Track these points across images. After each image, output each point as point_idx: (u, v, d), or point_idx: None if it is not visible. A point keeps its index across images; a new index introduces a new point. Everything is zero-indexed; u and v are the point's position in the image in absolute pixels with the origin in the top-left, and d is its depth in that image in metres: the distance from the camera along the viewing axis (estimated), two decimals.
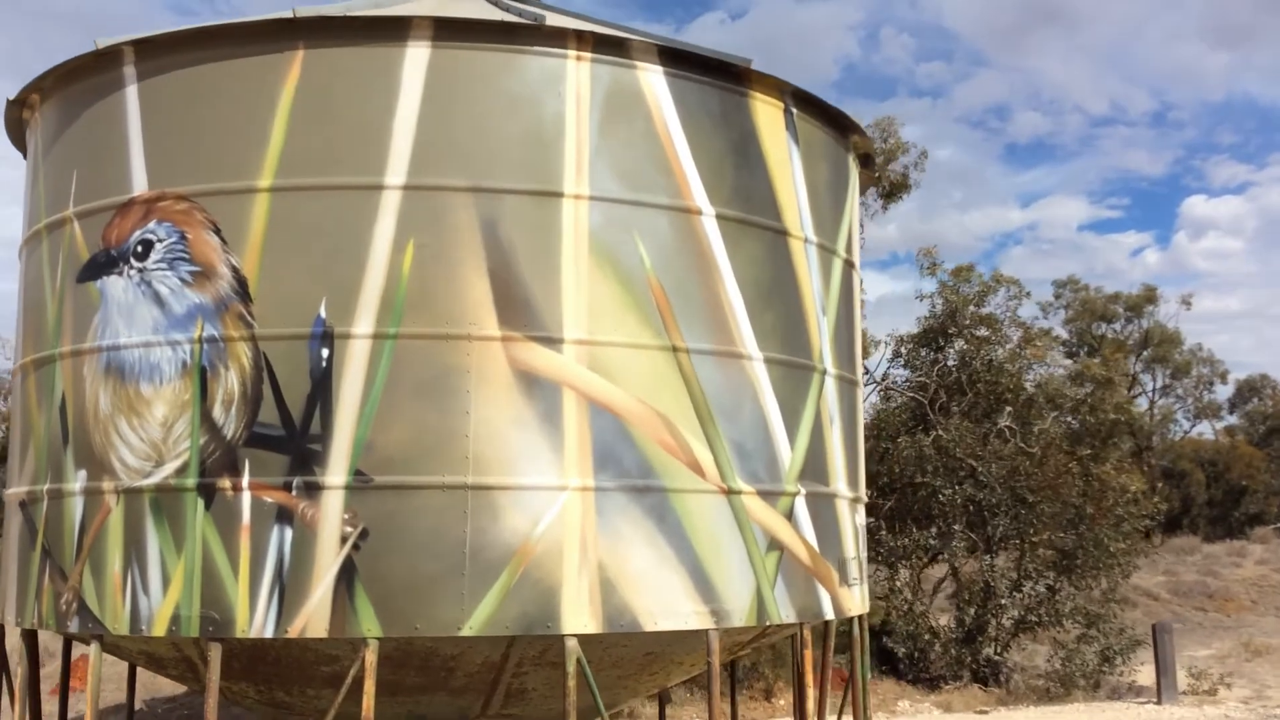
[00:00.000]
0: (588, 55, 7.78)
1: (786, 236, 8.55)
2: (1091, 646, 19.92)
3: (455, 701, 8.27)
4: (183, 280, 7.59)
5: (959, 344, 22.87)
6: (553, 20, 7.99)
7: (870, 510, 23.54)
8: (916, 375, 23.48)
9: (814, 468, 8.61)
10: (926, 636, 21.10)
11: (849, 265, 9.46)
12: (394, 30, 7.57)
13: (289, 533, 7.22)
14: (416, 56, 7.55)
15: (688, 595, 7.67)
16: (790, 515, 8.31)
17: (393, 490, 7.22)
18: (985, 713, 17.77)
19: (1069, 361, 23.95)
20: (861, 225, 22.29)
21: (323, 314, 7.34)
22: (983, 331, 22.68)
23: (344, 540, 7.18)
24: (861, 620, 9.86)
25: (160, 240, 7.67)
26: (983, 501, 21.28)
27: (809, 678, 8.37)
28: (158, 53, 7.88)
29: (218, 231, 7.55)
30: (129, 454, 7.61)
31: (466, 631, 7.15)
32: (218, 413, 7.41)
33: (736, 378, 8.07)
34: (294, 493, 7.23)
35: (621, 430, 7.58)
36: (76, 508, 7.82)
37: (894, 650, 21.38)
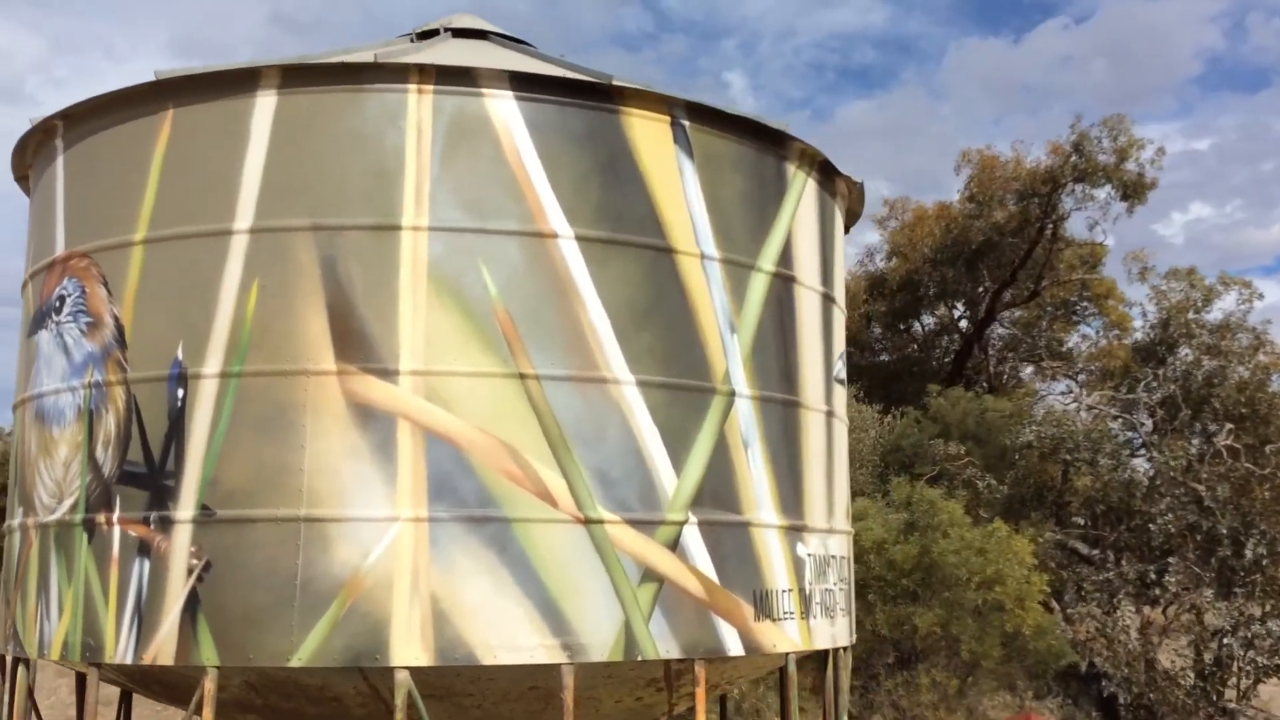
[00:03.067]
0: (429, 88, 7.80)
1: (672, 254, 8.17)
2: None
3: None
4: (81, 331, 8.22)
5: (1182, 353, 20.68)
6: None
7: (1095, 542, 21.64)
8: (1140, 390, 21.44)
9: (716, 495, 8.14)
10: (1146, 679, 19.14)
11: (783, 279, 8.87)
12: (245, 81, 7.90)
13: (147, 565, 7.63)
14: (265, 105, 7.84)
15: (534, 628, 7.44)
16: (675, 545, 7.89)
17: (232, 524, 7.48)
18: None
19: None
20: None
21: (179, 356, 7.73)
22: (1208, 339, 20.40)
23: (190, 572, 7.50)
24: (835, 656, 9.17)
25: (69, 295, 8.35)
26: (1209, 530, 19.09)
27: (700, 717, 7.87)
28: (75, 123, 8.61)
29: (106, 284, 8.13)
30: (44, 492, 8.31)
31: (295, 662, 7.27)
32: (99, 452, 7.96)
33: (599, 403, 7.79)
34: (151, 526, 7.64)
35: (459, 460, 7.49)
36: (16, 541, 8.60)
37: (1113, 695, 19.53)
